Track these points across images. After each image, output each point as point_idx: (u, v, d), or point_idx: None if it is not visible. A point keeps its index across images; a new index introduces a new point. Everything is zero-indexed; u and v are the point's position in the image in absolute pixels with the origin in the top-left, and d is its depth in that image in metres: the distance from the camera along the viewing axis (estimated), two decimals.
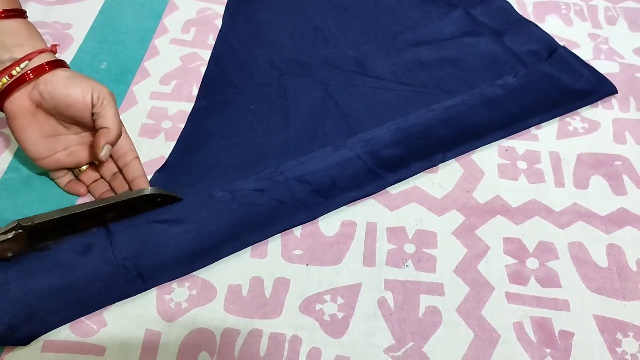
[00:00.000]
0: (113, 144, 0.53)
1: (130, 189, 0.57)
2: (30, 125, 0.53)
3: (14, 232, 0.50)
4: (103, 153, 0.52)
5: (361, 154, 0.61)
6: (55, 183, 0.58)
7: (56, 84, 0.52)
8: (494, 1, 0.80)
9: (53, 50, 0.55)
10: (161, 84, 0.69)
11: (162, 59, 0.72)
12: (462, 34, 0.76)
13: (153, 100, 0.67)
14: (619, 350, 0.49)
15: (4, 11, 0.52)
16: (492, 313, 0.51)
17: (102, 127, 0.52)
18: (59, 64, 0.53)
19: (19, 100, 0.52)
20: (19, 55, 0.52)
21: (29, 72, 0.51)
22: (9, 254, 0.51)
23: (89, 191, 0.58)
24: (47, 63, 0.52)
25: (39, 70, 0.52)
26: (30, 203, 0.57)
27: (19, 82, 0.51)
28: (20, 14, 0.54)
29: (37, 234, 0.52)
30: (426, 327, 0.50)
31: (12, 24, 0.53)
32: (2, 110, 0.53)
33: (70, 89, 0.52)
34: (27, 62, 0.52)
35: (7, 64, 0.51)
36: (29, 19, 0.55)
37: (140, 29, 0.76)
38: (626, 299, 0.52)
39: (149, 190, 0.55)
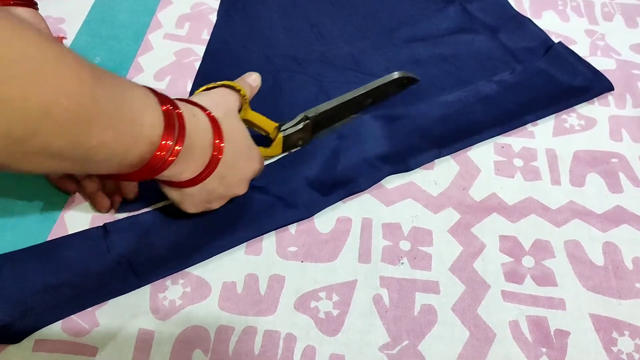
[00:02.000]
0: None
1: (117, 185, 0.56)
2: None
3: (303, 123, 0.58)
4: None
5: (357, 150, 0.61)
6: (46, 178, 0.58)
7: None
8: None
9: (59, 40, 0.54)
10: (155, 80, 0.69)
11: (156, 54, 0.72)
12: (458, 30, 0.76)
13: None
14: (614, 349, 0.49)
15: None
16: (488, 312, 0.51)
17: None
18: None
19: None
20: None
21: None
22: (300, 142, 0.60)
23: (79, 189, 0.57)
24: None
25: None
26: (23, 200, 0.56)
27: None
28: (29, 3, 0.53)
29: (317, 123, 0.60)
30: (421, 325, 0.50)
31: (21, 12, 0.52)
32: None
33: None
34: None
35: None
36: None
37: (134, 23, 0.75)
38: (622, 298, 0.52)
39: (397, 74, 0.63)
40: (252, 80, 0.56)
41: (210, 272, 0.53)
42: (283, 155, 0.61)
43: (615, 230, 0.57)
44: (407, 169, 0.60)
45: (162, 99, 0.43)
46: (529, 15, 0.78)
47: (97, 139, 0.37)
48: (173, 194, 0.49)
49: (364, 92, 0.61)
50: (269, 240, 0.55)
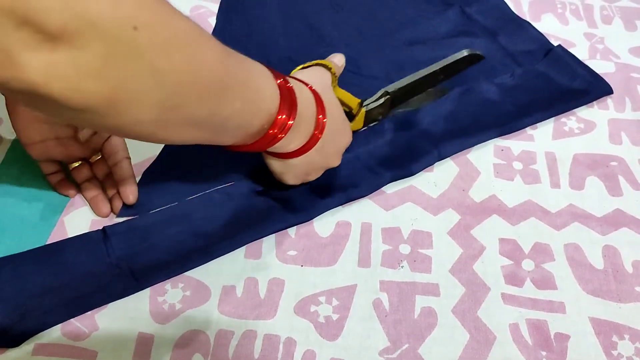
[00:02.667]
0: None
1: (117, 189, 0.56)
2: (24, 108, 0.53)
3: (383, 98, 0.62)
4: (82, 132, 0.54)
5: (358, 153, 0.61)
6: (47, 180, 0.58)
7: None
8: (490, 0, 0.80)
9: None
10: None
11: None
12: (458, 33, 0.76)
13: None
14: (614, 352, 0.49)
15: None
16: (488, 314, 0.51)
17: None
18: None
19: None
20: None
21: None
22: (380, 117, 0.64)
23: (79, 193, 0.57)
24: None
25: None
26: (22, 203, 0.56)
27: None
28: None
29: (396, 98, 0.63)
30: (422, 329, 0.50)
31: None
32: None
33: None
34: None
35: None
36: None
37: None
38: (622, 301, 0.52)
39: (466, 52, 0.64)
40: (337, 60, 0.58)
41: (209, 276, 0.52)
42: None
43: (614, 233, 0.57)
44: (410, 173, 0.60)
45: (275, 73, 0.45)
46: (528, 19, 0.78)
47: (230, 108, 0.40)
48: (277, 165, 0.52)
49: (437, 68, 0.63)
50: (268, 244, 0.55)
